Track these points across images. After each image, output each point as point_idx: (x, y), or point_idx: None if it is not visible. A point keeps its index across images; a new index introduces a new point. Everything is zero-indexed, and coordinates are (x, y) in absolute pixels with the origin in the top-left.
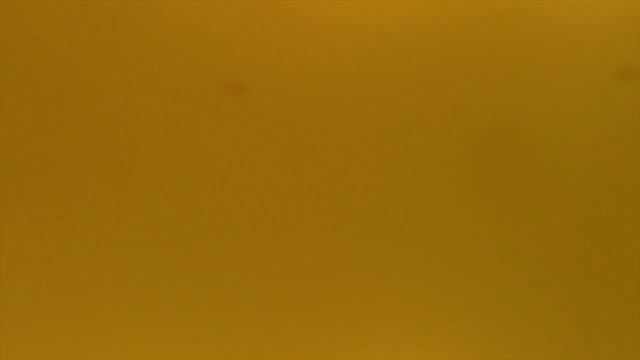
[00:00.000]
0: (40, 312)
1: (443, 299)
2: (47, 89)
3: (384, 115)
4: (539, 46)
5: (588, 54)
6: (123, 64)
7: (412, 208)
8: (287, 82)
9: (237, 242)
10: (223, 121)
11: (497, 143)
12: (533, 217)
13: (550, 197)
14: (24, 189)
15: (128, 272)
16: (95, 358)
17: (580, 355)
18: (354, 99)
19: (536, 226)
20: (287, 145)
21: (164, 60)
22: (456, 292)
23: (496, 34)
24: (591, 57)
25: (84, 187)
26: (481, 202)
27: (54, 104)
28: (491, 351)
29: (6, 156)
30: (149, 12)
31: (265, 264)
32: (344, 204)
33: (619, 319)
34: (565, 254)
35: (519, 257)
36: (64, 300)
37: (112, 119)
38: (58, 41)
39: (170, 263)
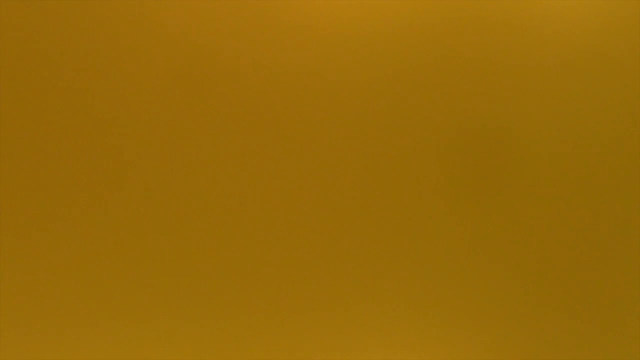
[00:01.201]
0: (34, 315)
1: (433, 300)
2: (35, 91)
3: (370, 116)
4: (524, 46)
5: (574, 54)
6: (113, 64)
7: (399, 209)
8: (275, 82)
9: (229, 243)
10: (211, 121)
11: (483, 143)
12: (520, 216)
13: (537, 196)
14: (18, 191)
15: (117, 274)
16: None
17: (569, 355)
18: (339, 100)
19: (523, 225)
20: (277, 146)
21: (152, 61)
22: (445, 292)
23: (481, 35)
24: (578, 56)
25: (70, 189)
26: (469, 202)
27: (44, 106)
28: (477, 353)
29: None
30: (139, 13)
31: (254, 265)
32: (329, 205)
33: (607, 318)
34: (552, 254)
35: (508, 258)
36: (58, 304)
37: (102, 120)
38: (45, 42)
39: (160, 262)
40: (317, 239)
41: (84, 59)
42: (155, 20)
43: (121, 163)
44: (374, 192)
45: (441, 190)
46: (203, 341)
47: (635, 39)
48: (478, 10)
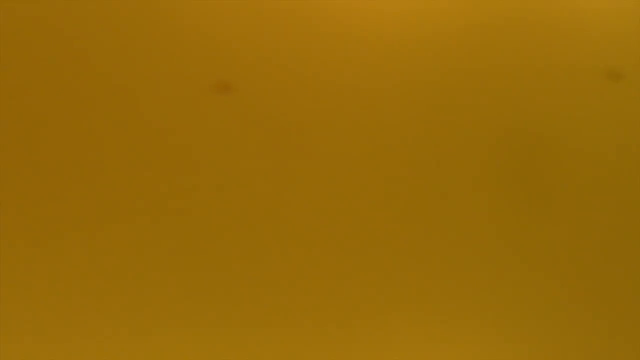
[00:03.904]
0: (34, 315)
1: (458, 309)
2: (32, 91)
3: (395, 124)
4: (556, 52)
5: (608, 60)
6: (109, 62)
7: (425, 216)
8: (279, 82)
9: (227, 245)
10: (212, 121)
11: (512, 147)
12: (545, 221)
13: (565, 201)
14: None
15: (117, 273)
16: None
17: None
18: (363, 108)
19: (550, 229)
20: (280, 147)
21: (152, 59)
22: (472, 297)
23: (511, 40)
24: (612, 63)
25: (68, 188)
26: (494, 207)
27: (40, 106)
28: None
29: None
30: (137, 10)
31: (255, 267)
32: (352, 211)
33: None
34: (599, 264)
35: (536, 262)
36: (58, 305)
37: (100, 117)
38: (41, 40)
39: (157, 263)
40: (323, 244)
41: (87, 58)
42: (149, 15)
43: (122, 162)
44: (387, 195)
45: (480, 200)
46: (208, 346)
47: None
48: (520, 14)
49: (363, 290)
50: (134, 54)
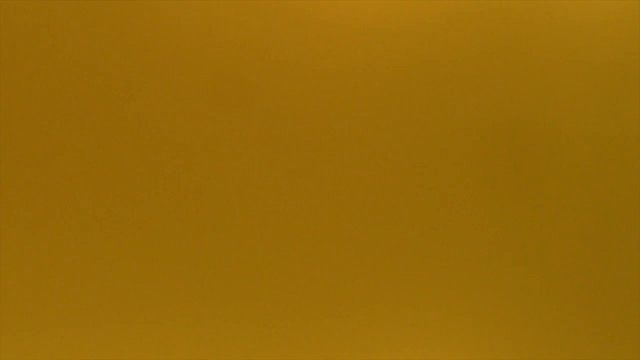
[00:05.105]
0: (34, 315)
1: (453, 302)
2: (40, 94)
3: (388, 116)
4: (548, 44)
5: (599, 52)
6: (120, 65)
7: (418, 210)
8: (288, 83)
9: (238, 246)
10: (222, 123)
11: (504, 141)
12: (538, 215)
13: (557, 196)
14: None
15: (126, 275)
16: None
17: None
18: (356, 100)
19: (542, 224)
20: (288, 148)
21: (161, 62)
22: (466, 293)
23: (503, 32)
24: (603, 56)
25: (80, 192)
26: (486, 202)
27: (50, 109)
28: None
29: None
30: (147, 13)
31: (264, 267)
32: (348, 206)
33: (631, 324)
34: (580, 255)
35: (529, 258)
36: (59, 304)
37: (111, 121)
38: (49, 44)
39: (168, 266)
40: (329, 239)
41: (90, 60)
42: (159, 18)
43: (123, 161)
44: (390, 190)
45: (455, 189)
46: (205, 344)
47: None
48: (516, 7)
49: (357, 288)
50: (139, 57)
